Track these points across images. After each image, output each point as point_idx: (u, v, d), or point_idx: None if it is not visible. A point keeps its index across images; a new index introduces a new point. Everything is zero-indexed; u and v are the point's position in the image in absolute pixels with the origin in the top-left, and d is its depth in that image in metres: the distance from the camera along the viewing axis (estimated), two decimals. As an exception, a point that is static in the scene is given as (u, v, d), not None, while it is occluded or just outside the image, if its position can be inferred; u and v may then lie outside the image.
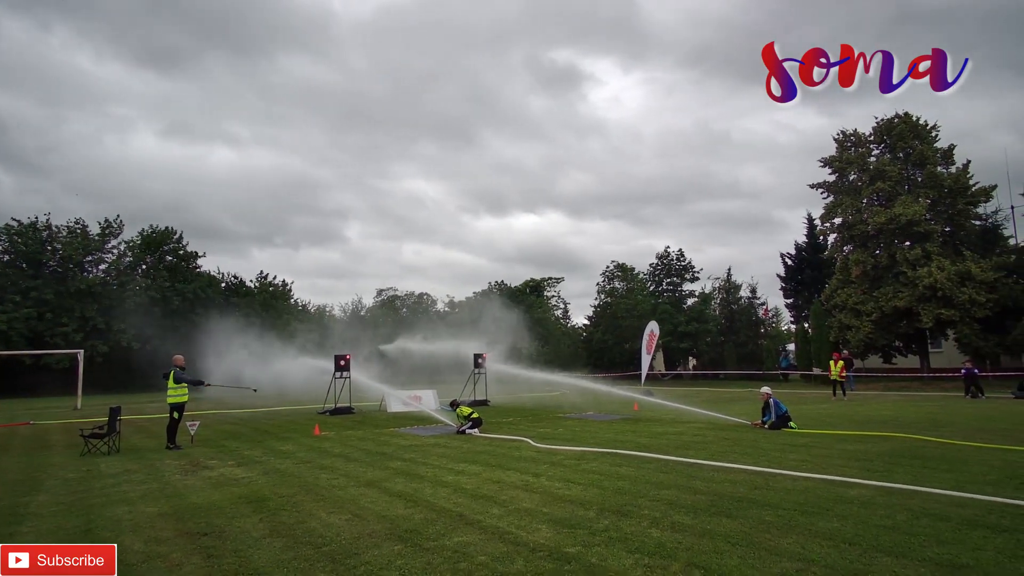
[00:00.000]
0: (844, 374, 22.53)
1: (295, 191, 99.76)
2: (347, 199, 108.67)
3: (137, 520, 6.20)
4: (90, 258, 41.97)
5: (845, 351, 29.43)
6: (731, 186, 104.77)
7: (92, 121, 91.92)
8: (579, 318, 66.92)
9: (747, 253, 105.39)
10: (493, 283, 60.00)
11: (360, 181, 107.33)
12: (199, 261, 46.66)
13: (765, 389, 13.37)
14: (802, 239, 41.10)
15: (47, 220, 41.08)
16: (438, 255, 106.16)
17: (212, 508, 6.64)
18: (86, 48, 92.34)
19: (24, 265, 39.36)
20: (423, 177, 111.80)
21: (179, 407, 12.11)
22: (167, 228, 45.34)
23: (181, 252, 45.68)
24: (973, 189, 28.63)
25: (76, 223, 42.28)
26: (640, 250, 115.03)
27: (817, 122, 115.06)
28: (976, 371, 21.55)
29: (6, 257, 39.73)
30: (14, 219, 39.89)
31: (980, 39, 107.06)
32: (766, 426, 12.67)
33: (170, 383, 12.17)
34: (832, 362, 22.77)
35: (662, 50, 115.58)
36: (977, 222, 30.53)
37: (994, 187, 28.71)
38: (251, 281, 49.85)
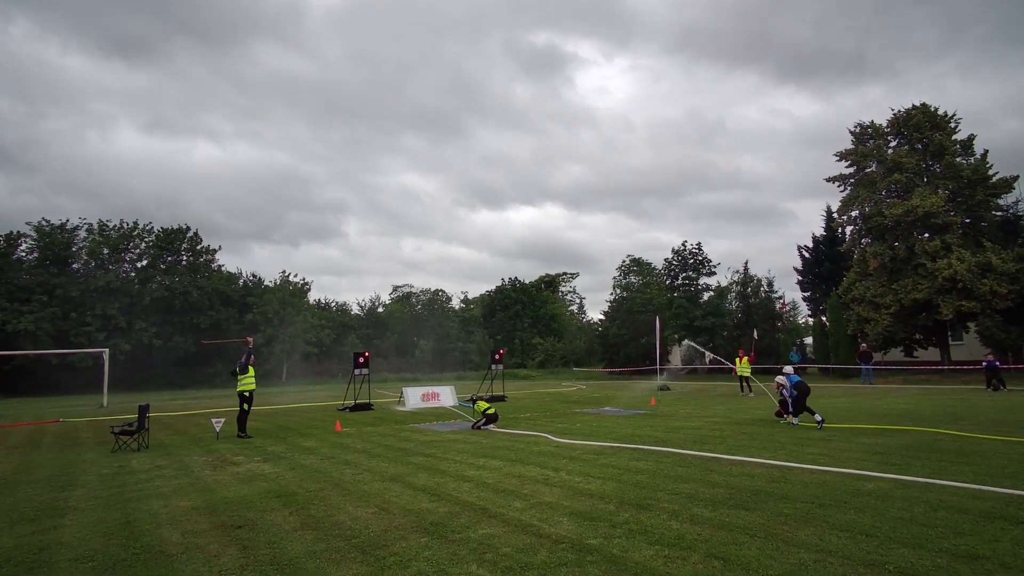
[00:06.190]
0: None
1: (285, 186, 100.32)
2: (340, 194, 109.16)
3: (173, 513, 6.44)
4: (112, 256, 42.88)
5: (863, 344, 29.22)
6: (730, 176, 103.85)
7: (71, 117, 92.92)
8: (594, 313, 66.88)
9: (750, 245, 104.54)
10: (506, 279, 60.11)
11: (351, 176, 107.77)
12: (216, 256, 47.50)
13: (778, 378, 13.28)
14: (813, 231, 40.95)
15: (66, 222, 42.15)
16: (438, 250, 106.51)
17: (243, 502, 6.86)
18: (51, 40, 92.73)
19: (50, 265, 40.31)
20: (414, 171, 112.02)
21: (244, 396, 12.91)
22: (182, 226, 46.14)
23: (198, 248, 46.47)
24: (993, 179, 28.25)
25: (97, 223, 43.26)
26: (643, 243, 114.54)
27: (812, 108, 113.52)
28: (998, 364, 21.30)
29: (31, 257, 40.74)
30: (44, 219, 41.02)
31: (983, 13, 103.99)
32: (790, 407, 12.50)
33: (238, 375, 13.04)
34: (738, 359, 22.54)
35: (646, 35, 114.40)
36: (998, 213, 30.10)
37: (1015, 178, 28.32)
38: (271, 280, 50.58)
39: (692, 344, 33.92)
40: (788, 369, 13.36)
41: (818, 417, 12.34)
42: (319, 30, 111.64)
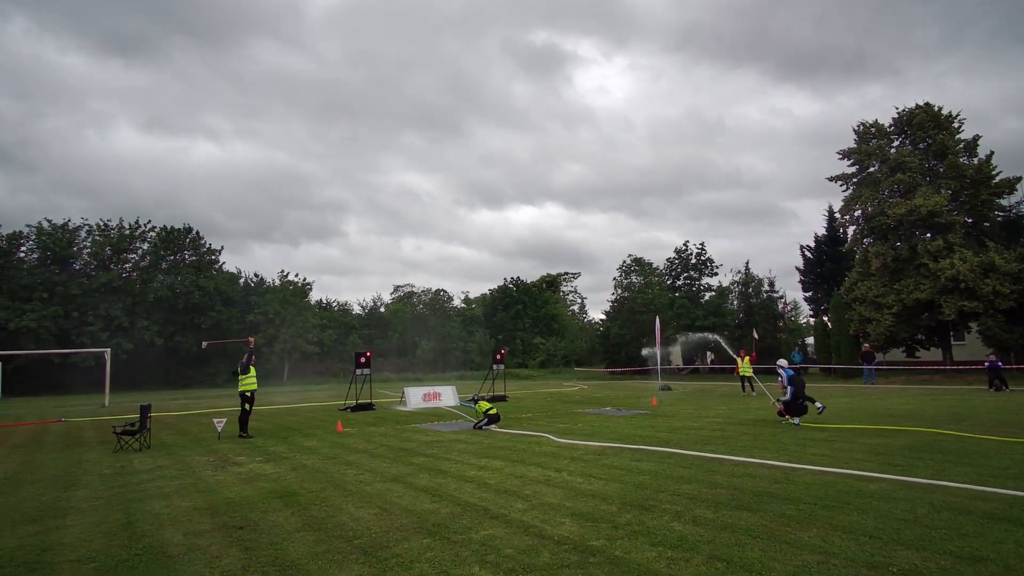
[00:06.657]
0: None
1: (285, 186, 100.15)
2: (339, 193, 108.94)
3: (175, 514, 6.43)
4: (113, 256, 42.97)
5: (866, 344, 29.17)
6: (731, 176, 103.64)
7: (70, 116, 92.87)
8: (595, 313, 66.85)
9: (751, 245, 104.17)
10: (508, 279, 60.15)
11: (350, 175, 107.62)
12: (220, 256, 47.57)
13: (779, 369, 13.18)
14: (814, 231, 40.82)
15: (67, 221, 42.26)
16: (438, 250, 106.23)
17: (245, 503, 6.86)
18: (49, 39, 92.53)
19: (50, 264, 40.39)
20: (414, 170, 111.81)
21: (245, 395, 12.92)
22: (185, 226, 46.14)
23: (203, 249, 46.49)
24: (996, 180, 28.19)
25: (97, 224, 43.37)
26: (643, 243, 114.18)
27: (813, 107, 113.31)
28: (1000, 364, 21.25)
29: (32, 257, 40.83)
30: (46, 219, 41.14)
31: (983, 12, 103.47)
32: (783, 406, 12.47)
33: (239, 375, 13.11)
34: (739, 359, 22.56)
35: (646, 34, 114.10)
36: (1001, 213, 30.03)
37: (1019, 179, 28.25)
38: (272, 280, 50.65)
39: (651, 350, 32.68)
40: (783, 362, 13.38)
41: (819, 405, 12.41)
42: (318, 29, 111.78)
